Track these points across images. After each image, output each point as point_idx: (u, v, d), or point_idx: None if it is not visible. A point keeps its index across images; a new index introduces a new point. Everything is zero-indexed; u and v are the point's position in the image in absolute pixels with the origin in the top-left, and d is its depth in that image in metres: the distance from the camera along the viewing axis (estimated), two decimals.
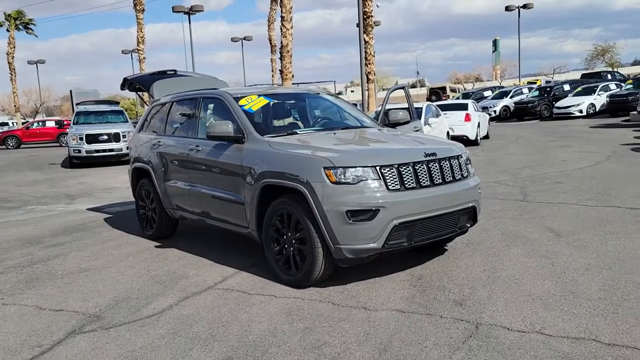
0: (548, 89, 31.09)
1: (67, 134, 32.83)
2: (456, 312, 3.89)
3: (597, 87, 28.08)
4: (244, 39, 47.13)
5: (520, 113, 30.19)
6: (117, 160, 17.85)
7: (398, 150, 4.68)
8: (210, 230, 7.10)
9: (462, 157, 4.90)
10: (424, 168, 4.48)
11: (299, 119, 5.94)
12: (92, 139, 17.32)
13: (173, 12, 32.24)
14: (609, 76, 35.27)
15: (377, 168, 4.30)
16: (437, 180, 4.54)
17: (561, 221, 6.37)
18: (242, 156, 5.08)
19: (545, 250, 5.25)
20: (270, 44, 37.09)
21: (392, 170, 4.33)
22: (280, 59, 21.04)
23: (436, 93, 40.68)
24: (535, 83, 39.93)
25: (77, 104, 20.73)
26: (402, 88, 6.94)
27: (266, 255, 4.91)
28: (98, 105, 20.53)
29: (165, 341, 3.71)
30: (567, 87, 30.77)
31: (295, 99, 6.14)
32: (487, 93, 37.26)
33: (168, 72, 7.78)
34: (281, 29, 20.44)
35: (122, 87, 7.99)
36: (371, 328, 3.71)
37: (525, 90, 33.56)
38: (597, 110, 26.86)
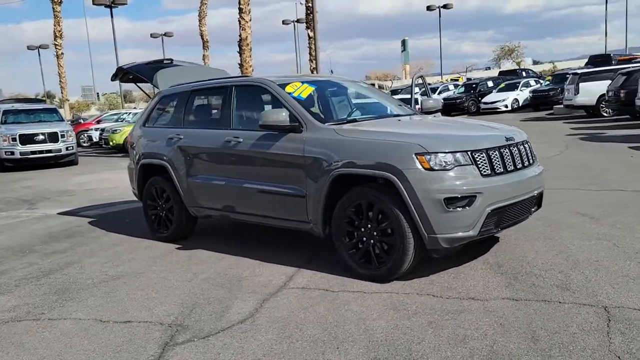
0: (474, 86, 32.43)
1: None
2: (569, 296, 3.83)
3: (519, 83, 29.62)
4: (165, 34, 45.37)
5: (449, 108, 31.16)
6: (54, 162, 16.51)
7: (482, 136, 4.55)
8: (228, 227, 6.68)
9: (528, 142, 4.88)
10: (507, 152, 4.40)
11: (344, 106, 5.66)
12: (26, 139, 15.89)
13: (93, 4, 30.45)
14: (524, 73, 37.34)
15: (469, 153, 4.16)
16: (518, 165, 4.48)
17: (583, 205, 6.52)
18: (303, 146, 4.74)
19: (597, 233, 5.33)
20: (202, 39, 35.77)
21: (482, 155, 4.21)
22: (240, 52, 20.41)
23: None
24: (457, 80, 41.49)
25: None
26: (421, 77, 6.85)
27: (338, 250, 4.61)
28: (24, 104, 18.91)
29: (286, 346, 3.36)
30: (490, 84, 32.22)
31: (336, 86, 5.86)
32: (415, 90, 38.22)
33: (165, 62, 7.23)
34: (239, 21, 19.83)
35: (114, 78, 7.32)
36: (499, 318, 3.56)
37: (451, 87, 34.80)
38: (520, 105, 28.36)
